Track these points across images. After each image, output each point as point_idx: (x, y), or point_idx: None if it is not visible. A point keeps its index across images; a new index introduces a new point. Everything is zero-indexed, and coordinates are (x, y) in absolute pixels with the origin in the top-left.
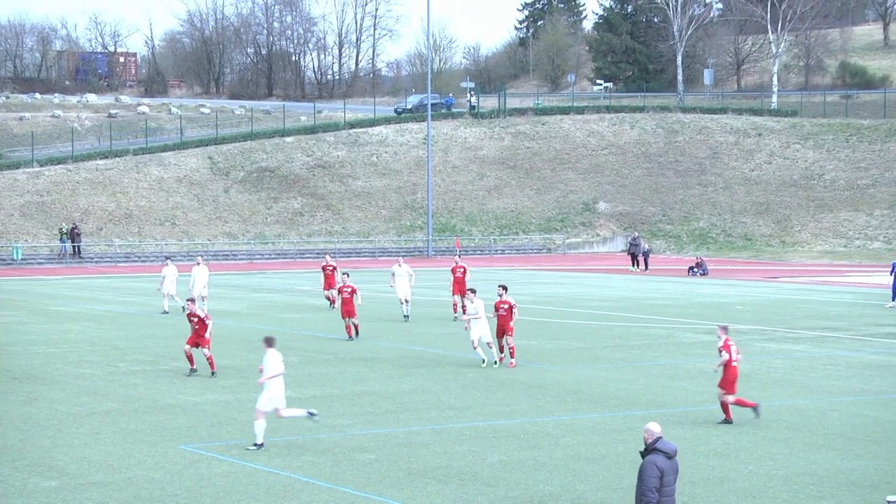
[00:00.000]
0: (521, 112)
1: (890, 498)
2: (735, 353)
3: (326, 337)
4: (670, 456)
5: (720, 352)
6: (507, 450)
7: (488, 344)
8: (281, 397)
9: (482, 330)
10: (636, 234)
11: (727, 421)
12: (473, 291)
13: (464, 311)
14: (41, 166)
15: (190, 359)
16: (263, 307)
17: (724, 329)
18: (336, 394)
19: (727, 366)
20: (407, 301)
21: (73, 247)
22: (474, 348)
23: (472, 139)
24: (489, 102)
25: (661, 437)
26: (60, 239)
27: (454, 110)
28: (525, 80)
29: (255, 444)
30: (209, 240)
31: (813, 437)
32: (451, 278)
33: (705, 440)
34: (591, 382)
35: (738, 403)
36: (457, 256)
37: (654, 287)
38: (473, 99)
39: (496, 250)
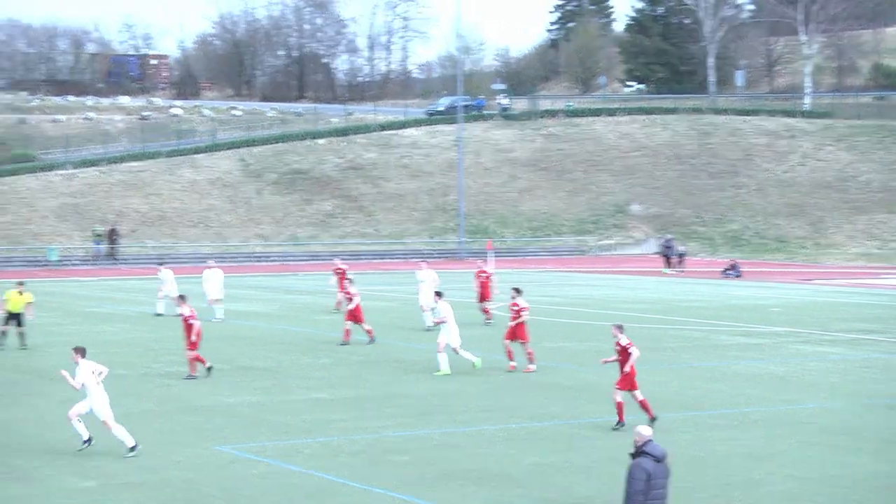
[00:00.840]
0: (552, 114)
1: None
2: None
3: (358, 339)
4: (659, 459)
5: (619, 349)
6: (542, 452)
7: (455, 350)
8: (103, 407)
9: (450, 335)
10: (669, 236)
11: (620, 424)
12: (440, 294)
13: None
14: (75, 168)
15: (200, 360)
16: (296, 309)
17: (620, 328)
18: (369, 395)
19: (626, 364)
20: (430, 310)
21: (110, 248)
22: (439, 352)
23: (503, 141)
24: (520, 104)
25: (650, 441)
26: (94, 241)
27: (485, 112)
28: (556, 81)
29: (84, 442)
30: (242, 241)
31: (849, 440)
32: (476, 283)
33: (742, 443)
34: None
35: (643, 405)
36: (481, 261)
37: (687, 289)
38: (505, 101)
39: (529, 252)
